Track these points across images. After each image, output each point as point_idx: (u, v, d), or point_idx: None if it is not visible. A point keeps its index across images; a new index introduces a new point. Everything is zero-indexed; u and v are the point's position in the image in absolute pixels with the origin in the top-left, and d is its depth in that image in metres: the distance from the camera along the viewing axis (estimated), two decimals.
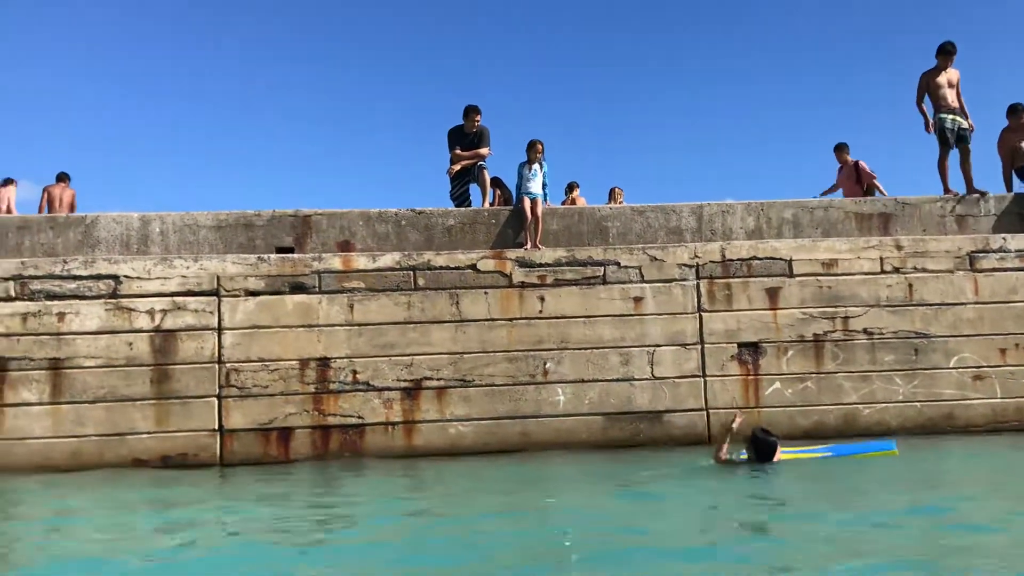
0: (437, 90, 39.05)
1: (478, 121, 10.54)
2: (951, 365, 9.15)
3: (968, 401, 9.10)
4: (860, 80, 38.52)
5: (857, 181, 11.81)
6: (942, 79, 10.10)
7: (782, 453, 7.18)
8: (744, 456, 7.19)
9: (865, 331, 9.15)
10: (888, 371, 9.10)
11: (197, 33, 36.49)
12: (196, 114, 37.80)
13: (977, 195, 9.95)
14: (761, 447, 7.05)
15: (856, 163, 11.88)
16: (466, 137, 10.56)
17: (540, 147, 9.87)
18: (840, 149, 12.15)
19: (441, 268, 8.96)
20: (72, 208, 13.12)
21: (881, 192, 11.63)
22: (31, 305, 8.50)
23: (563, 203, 12.94)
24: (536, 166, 9.73)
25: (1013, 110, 10.23)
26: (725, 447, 7.17)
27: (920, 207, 9.87)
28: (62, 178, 13.41)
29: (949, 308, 9.24)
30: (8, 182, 13.18)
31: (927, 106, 10.14)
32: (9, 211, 12.63)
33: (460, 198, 10.65)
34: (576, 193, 13.20)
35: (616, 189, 13.62)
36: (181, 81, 35.93)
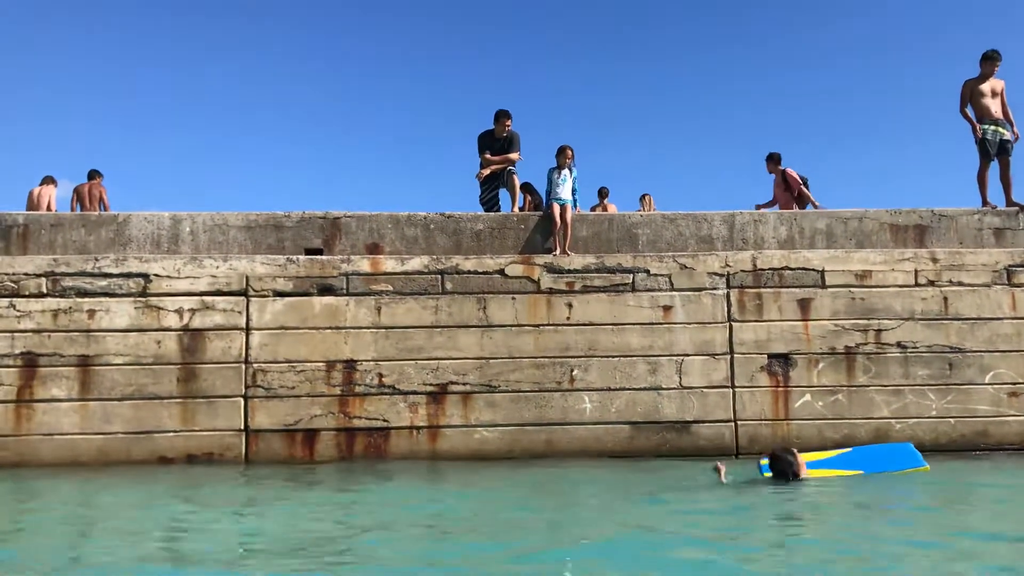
0: (468, 94, 39.10)
1: (508, 126, 10.50)
2: (986, 381, 8.96)
3: (1003, 418, 8.91)
4: (904, 84, 38.06)
5: (786, 189, 11.61)
6: (986, 87, 9.90)
7: (808, 469, 7.06)
8: (769, 474, 7.07)
9: (898, 344, 8.99)
10: (921, 386, 8.93)
11: (234, 36, 36.83)
12: (228, 116, 38.12)
13: (1016, 208, 9.75)
14: (777, 465, 6.94)
15: (784, 171, 11.70)
16: (496, 142, 10.52)
17: (570, 153, 9.80)
18: (770, 159, 11.98)
19: (469, 272, 8.93)
20: (104, 204, 13.25)
21: (811, 200, 11.46)
22: (62, 302, 8.57)
23: (594, 209, 12.90)
24: (566, 172, 9.65)
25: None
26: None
27: (957, 219, 9.69)
28: (93, 175, 13.55)
29: (985, 323, 9.05)
30: (48, 180, 13.34)
31: (970, 112, 9.94)
32: (49, 209, 12.76)
33: (489, 203, 10.61)
34: (607, 199, 13.17)
35: (647, 196, 13.57)
36: (214, 83, 36.25)
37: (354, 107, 40.07)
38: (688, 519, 5.65)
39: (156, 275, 8.68)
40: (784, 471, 6.89)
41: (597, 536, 5.05)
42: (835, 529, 5.37)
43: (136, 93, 35.77)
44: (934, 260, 9.20)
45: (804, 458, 7.11)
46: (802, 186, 11.65)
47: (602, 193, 13.30)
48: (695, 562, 4.31)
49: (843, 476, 7.26)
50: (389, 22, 38.86)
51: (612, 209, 12.84)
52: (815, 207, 11.28)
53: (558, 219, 9.28)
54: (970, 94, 9.93)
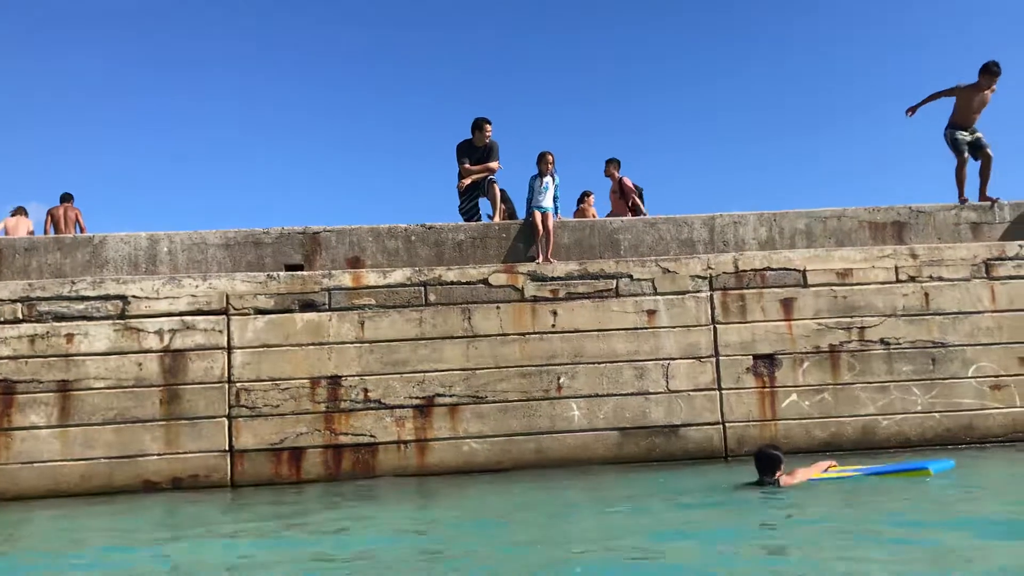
0: (443, 102, 39.09)
1: (488, 134, 10.47)
2: (969, 375, 9.03)
3: (987, 411, 8.98)
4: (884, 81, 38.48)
5: (621, 197, 11.61)
6: (977, 100, 9.97)
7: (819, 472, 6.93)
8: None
9: (882, 341, 9.04)
10: (906, 381, 8.98)
11: (202, 50, 36.54)
12: (200, 132, 37.81)
13: (991, 202, 9.85)
14: (760, 461, 6.74)
15: (621, 179, 11.74)
16: (476, 151, 10.48)
17: (550, 159, 9.74)
18: (610, 164, 12.01)
19: (452, 283, 8.87)
20: (81, 226, 13.11)
21: (643, 211, 11.43)
22: (39, 327, 8.41)
23: (576, 212, 12.88)
24: (547, 179, 9.62)
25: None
26: None
27: (934, 215, 9.78)
28: (66, 199, 13.41)
29: (966, 317, 9.13)
30: (19, 211, 13.19)
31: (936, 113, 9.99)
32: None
33: (469, 212, 10.57)
34: (591, 201, 13.14)
35: (589, 195, 13.47)
36: (185, 98, 35.94)
37: (329, 121, 39.92)
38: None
39: (134, 296, 8.55)
40: (769, 468, 6.69)
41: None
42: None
43: (103, 113, 35.40)
44: (914, 256, 9.26)
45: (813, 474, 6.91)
46: (635, 196, 11.63)
47: (584, 196, 13.26)
48: None
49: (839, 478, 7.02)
50: (360, 33, 38.75)
51: (594, 213, 12.81)
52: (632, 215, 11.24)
53: (540, 227, 9.26)
54: (957, 97, 9.97)
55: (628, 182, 11.86)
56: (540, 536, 5.44)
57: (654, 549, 4.84)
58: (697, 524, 5.68)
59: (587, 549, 4.97)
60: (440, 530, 6.09)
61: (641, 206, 11.72)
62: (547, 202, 9.47)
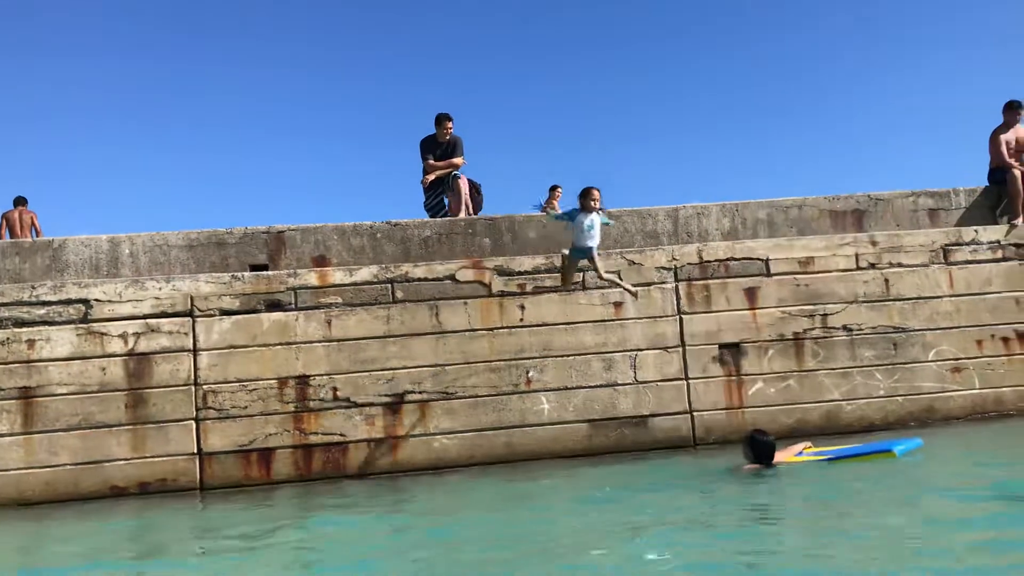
0: (406, 97, 38.90)
1: (450, 129, 10.47)
2: (930, 358, 9.21)
3: (948, 393, 9.17)
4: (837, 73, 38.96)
5: (456, 192, 11.39)
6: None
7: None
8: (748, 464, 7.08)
9: (844, 328, 9.19)
10: (868, 367, 9.14)
11: (159, 47, 36.00)
12: (159, 131, 37.25)
13: (948, 189, 10.04)
14: (759, 448, 6.98)
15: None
16: (439, 146, 10.48)
17: (597, 195, 8.10)
18: None
19: (419, 280, 8.86)
20: (37, 230, 12.90)
21: (469, 208, 11.10)
22: None
23: (545, 204, 12.93)
24: (593, 216, 8.10)
25: (1009, 107, 10.22)
26: None
27: (892, 202, 9.95)
28: (19, 202, 13.18)
29: (926, 302, 9.31)
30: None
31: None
32: None
33: (434, 208, 10.57)
34: (559, 194, 13.22)
35: (557, 188, 13.53)
36: (144, 96, 35.40)
37: (289, 119, 39.56)
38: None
39: (97, 300, 8.44)
40: (768, 455, 6.91)
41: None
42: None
43: (53, 110, 34.77)
44: (873, 243, 9.42)
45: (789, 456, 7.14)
46: (466, 194, 11.12)
47: (554, 189, 13.35)
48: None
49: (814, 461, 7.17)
50: (326, 26, 38.44)
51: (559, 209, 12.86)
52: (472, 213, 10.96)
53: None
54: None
55: (464, 179, 11.58)
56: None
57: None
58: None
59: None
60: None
61: (471, 204, 11.13)
62: (594, 243, 8.10)
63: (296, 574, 4.76)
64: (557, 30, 40.22)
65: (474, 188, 11.28)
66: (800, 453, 7.26)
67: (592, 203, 8.03)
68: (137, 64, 35.43)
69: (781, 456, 7.02)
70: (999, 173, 10.06)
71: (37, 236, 12.63)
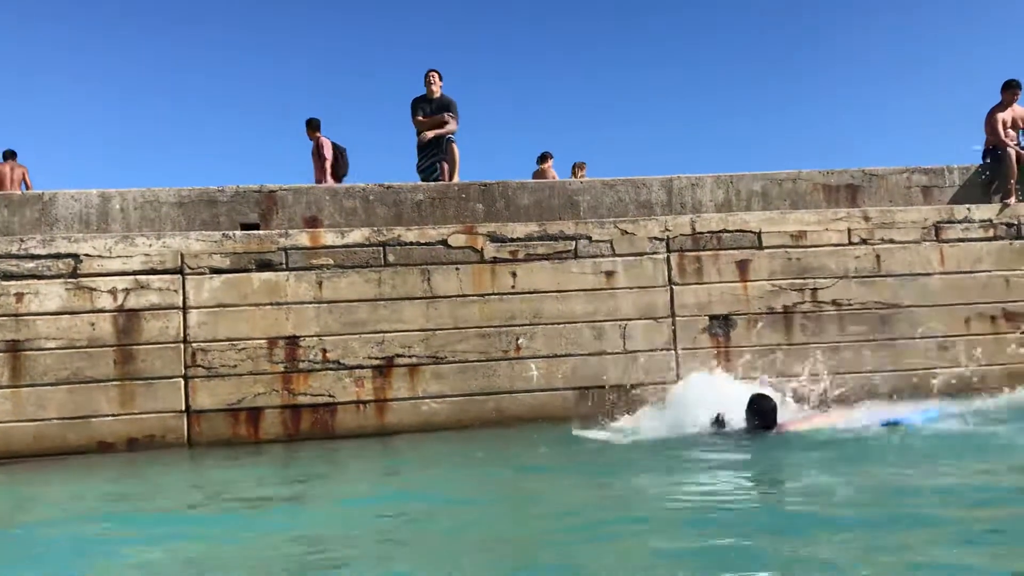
0: (399, 55, 38.52)
1: (437, 83, 10.38)
2: (918, 335, 9.26)
3: (935, 370, 9.23)
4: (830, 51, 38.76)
5: (320, 157, 11.46)
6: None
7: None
8: (744, 425, 7.08)
9: (834, 302, 9.22)
10: (857, 342, 9.19)
11: (153, 14, 35.49)
12: (151, 91, 36.85)
13: (942, 167, 10.04)
14: (762, 412, 6.98)
15: (319, 138, 11.55)
16: (429, 104, 10.40)
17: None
18: (309, 125, 11.68)
19: (412, 244, 8.83)
20: (27, 184, 12.78)
21: (340, 172, 11.26)
22: None
23: (535, 173, 12.88)
24: None
25: (1007, 86, 10.19)
26: None
27: (887, 178, 9.94)
28: (9, 156, 13.04)
29: (916, 279, 9.35)
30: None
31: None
32: None
33: (427, 171, 10.49)
34: (549, 164, 13.15)
35: (577, 164, 13.56)
36: (138, 62, 34.95)
37: (280, 77, 39.15)
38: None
39: (87, 255, 8.38)
40: (771, 419, 6.91)
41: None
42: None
43: (47, 67, 34.32)
44: (866, 219, 9.43)
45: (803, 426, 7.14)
46: (330, 159, 11.44)
47: (544, 157, 13.27)
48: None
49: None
50: None
51: (553, 175, 12.85)
52: (335, 181, 11.15)
53: None
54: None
55: (326, 141, 11.49)
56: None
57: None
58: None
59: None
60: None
61: (341, 168, 11.43)
62: None
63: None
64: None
65: (338, 151, 11.24)
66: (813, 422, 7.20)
67: None
68: (133, 21, 34.95)
69: (794, 424, 7.05)
70: (994, 151, 10.06)
71: (27, 191, 12.51)
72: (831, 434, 6.97)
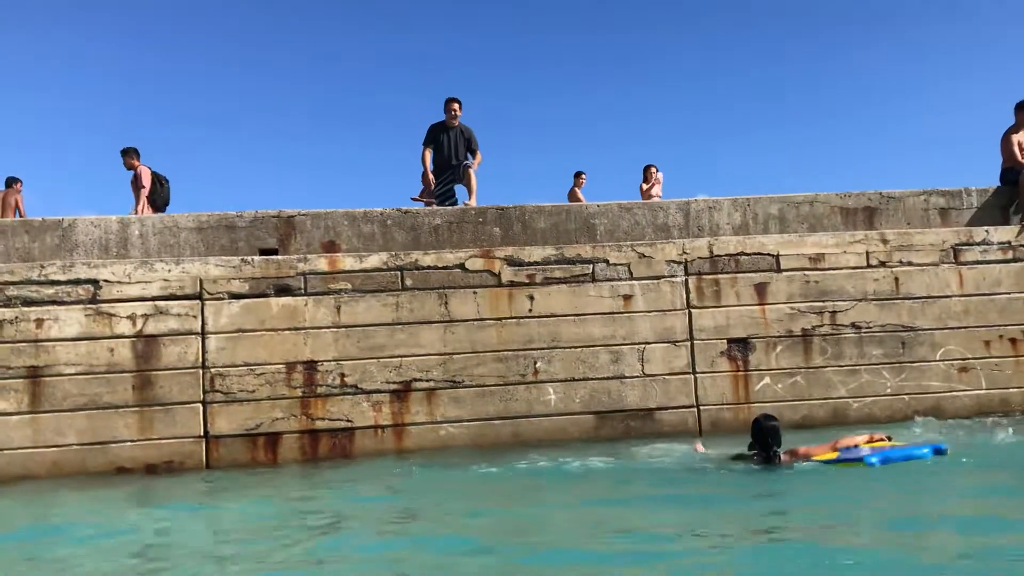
0: (415, 82, 38.75)
1: (458, 112, 10.44)
2: (937, 358, 9.20)
3: (954, 393, 9.16)
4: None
5: (140, 187, 11.32)
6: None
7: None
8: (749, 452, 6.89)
9: (853, 325, 9.17)
10: (876, 364, 9.13)
11: (175, 32, 35.86)
12: (171, 115, 37.14)
13: (960, 189, 10.02)
14: (763, 433, 6.75)
15: (137, 168, 11.46)
16: (448, 132, 10.47)
17: None
18: (125, 154, 11.53)
19: (429, 268, 8.85)
20: (21, 212, 12.93)
21: (159, 203, 11.20)
22: (7, 312, 8.25)
23: (571, 191, 13.33)
24: None
25: (1021, 107, 10.16)
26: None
27: (904, 200, 9.92)
28: (12, 182, 13.16)
29: (935, 301, 9.29)
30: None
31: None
32: None
33: (443, 196, 10.54)
34: (583, 182, 13.59)
35: (653, 170, 13.68)
36: (158, 81, 35.27)
37: (304, 102, 39.43)
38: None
39: (106, 281, 8.42)
40: (773, 440, 6.69)
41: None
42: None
43: (65, 89, 34.64)
44: (884, 241, 9.40)
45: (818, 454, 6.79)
46: (148, 188, 11.34)
47: (578, 177, 13.64)
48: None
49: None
50: (333, 14, 38.25)
51: (580, 198, 13.16)
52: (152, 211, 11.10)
53: None
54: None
55: (146, 170, 11.42)
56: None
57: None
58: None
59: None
60: None
61: (150, 197, 11.33)
62: None
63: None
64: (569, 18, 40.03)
65: (158, 180, 11.26)
66: (834, 448, 6.80)
67: None
68: (148, 42, 35.28)
69: (808, 451, 6.80)
70: (1011, 173, 10.04)
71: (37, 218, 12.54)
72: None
